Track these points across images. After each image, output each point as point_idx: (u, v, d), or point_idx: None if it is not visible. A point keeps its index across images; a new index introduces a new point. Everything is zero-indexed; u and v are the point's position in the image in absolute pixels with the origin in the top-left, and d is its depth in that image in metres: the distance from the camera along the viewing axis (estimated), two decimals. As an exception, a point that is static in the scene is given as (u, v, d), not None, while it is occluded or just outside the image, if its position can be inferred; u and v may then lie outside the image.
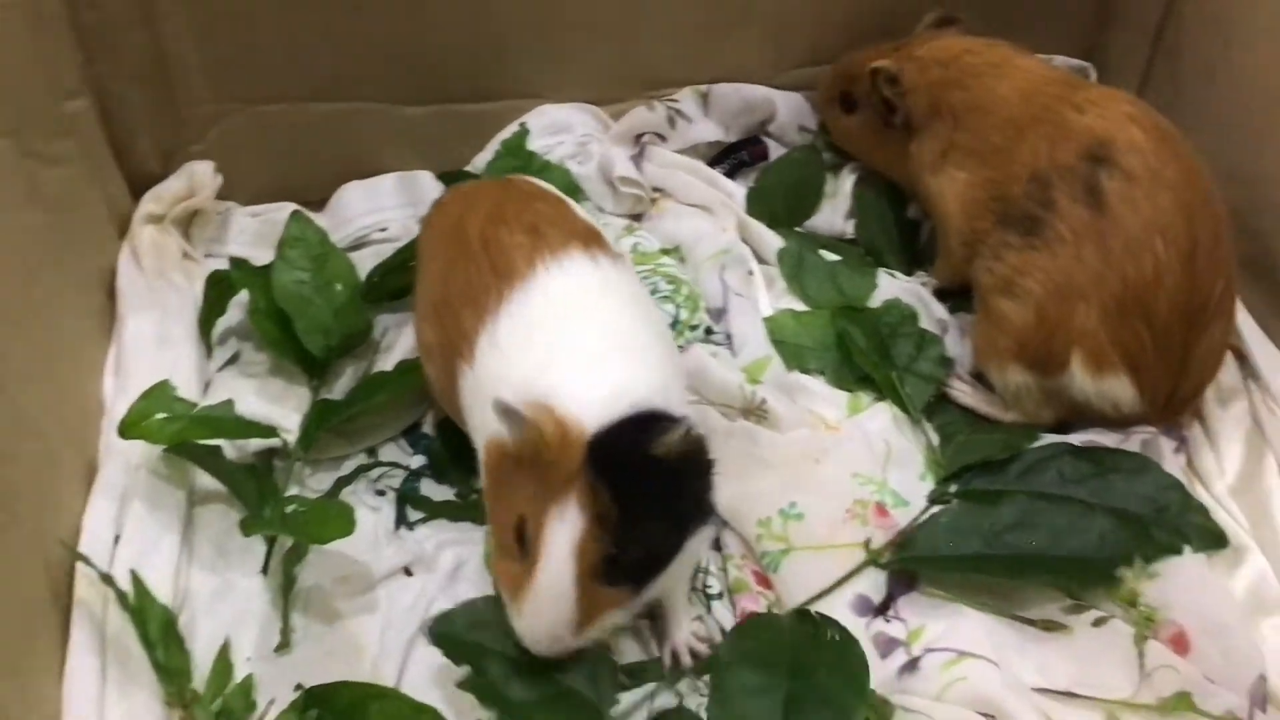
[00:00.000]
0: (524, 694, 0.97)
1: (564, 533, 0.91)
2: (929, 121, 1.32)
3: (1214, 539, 1.09)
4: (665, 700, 1.03)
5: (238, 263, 1.31)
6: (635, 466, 0.92)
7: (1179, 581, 1.04)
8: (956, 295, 1.37)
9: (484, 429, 1.00)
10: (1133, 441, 1.16)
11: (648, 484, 0.92)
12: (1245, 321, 1.28)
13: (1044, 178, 1.17)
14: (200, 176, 1.41)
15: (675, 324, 1.32)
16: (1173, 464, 1.16)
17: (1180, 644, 1.02)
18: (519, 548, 0.93)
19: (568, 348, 1.00)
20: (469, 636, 1.00)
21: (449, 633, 1.00)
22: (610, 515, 0.91)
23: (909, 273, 1.42)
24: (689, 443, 0.94)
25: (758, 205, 1.48)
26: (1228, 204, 1.18)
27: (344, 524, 1.03)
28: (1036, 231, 1.16)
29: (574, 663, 0.98)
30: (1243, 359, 1.28)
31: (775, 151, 1.57)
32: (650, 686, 1.03)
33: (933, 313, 1.35)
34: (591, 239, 1.12)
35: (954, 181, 1.28)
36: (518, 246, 1.08)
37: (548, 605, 0.92)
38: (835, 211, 1.51)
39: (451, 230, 1.15)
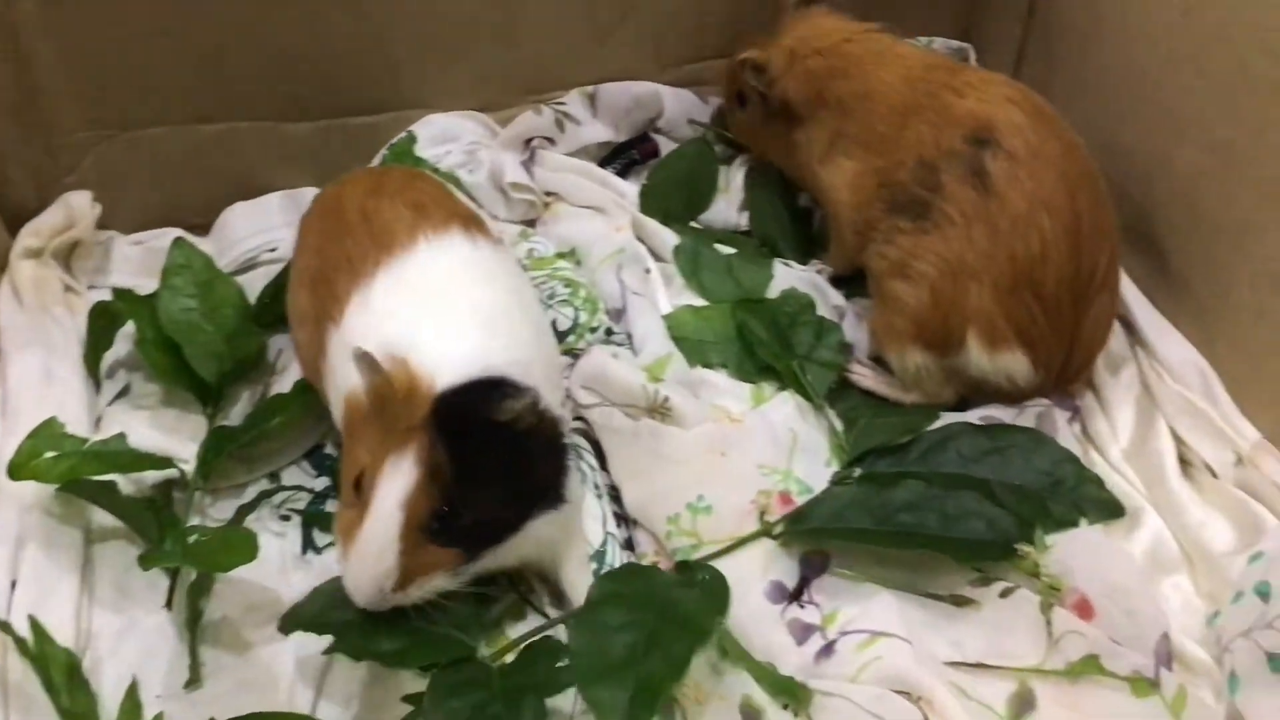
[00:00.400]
0: (393, 645, 0.97)
1: (397, 483, 0.93)
2: (814, 111, 1.33)
3: (1109, 509, 1.11)
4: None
5: (122, 293, 1.28)
6: (477, 428, 0.94)
7: (1078, 549, 1.07)
8: (852, 281, 1.39)
9: (344, 385, 1.02)
10: (1028, 415, 1.18)
11: (488, 448, 0.95)
12: (1129, 289, 1.32)
13: (930, 162, 1.19)
14: (78, 207, 1.38)
15: (575, 327, 1.32)
16: (1067, 433, 1.18)
17: (1084, 609, 1.04)
18: (356, 497, 0.95)
19: (432, 313, 1.04)
20: (322, 618, 1.00)
21: (299, 621, 1.00)
22: (445, 472, 0.93)
23: (804, 261, 1.44)
24: (536, 415, 0.97)
25: (651, 202, 1.48)
26: (1104, 176, 1.21)
27: (247, 550, 1.01)
28: (926, 215, 1.18)
29: (440, 614, 0.98)
30: (1129, 326, 1.31)
31: (665, 148, 1.58)
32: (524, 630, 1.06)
33: (829, 300, 1.37)
34: (472, 221, 1.17)
35: (843, 171, 1.29)
36: (400, 219, 1.12)
37: (373, 554, 0.93)
38: (729, 205, 1.52)
39: (330, 207, 1.20)
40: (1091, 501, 1.11)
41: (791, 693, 1.00)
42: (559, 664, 0.98)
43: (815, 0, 1.41)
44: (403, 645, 0.97)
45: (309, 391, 1.20)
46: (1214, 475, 1.18)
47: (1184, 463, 1.20)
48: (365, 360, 0.94)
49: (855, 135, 1.28)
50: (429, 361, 0.97)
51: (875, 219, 1.25)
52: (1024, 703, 1.00)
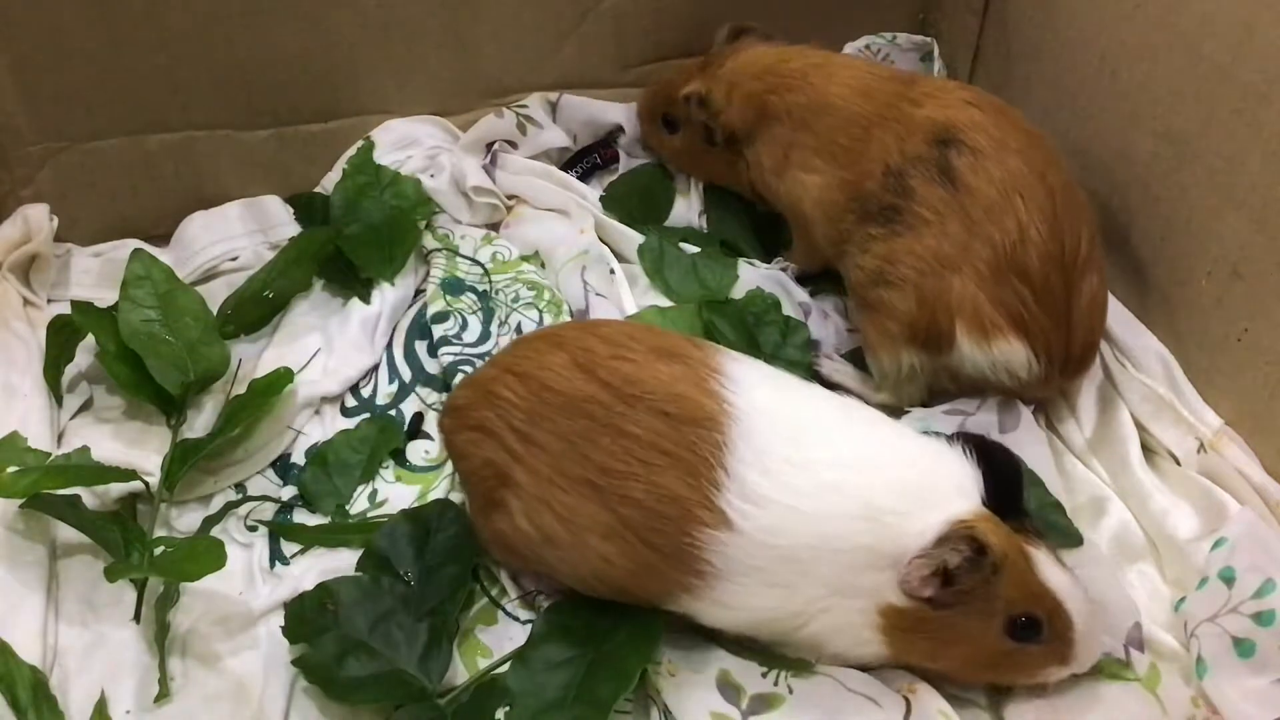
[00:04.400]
0: (355, 671, 0.99)
1: (1059, 575, 0.94)
2: (760, 128, 1.34)
3: (1067, 538, 1.10)
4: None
5: (81, 306, 1.26)
6: (1019, 487, 0.98)
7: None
8: (817, 278, 1.39)
9: (872, 595, 0.94)
10: (990, 404, 1.19)
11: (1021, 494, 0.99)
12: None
13: (898, 169, 1.19)
14: (35, 220, 1.36)
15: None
16: (1030, 422, 1.19)
17: (1056, 601, 1.05)
18: (1022, 643, 0.94)
19: (863, 444, 0.98)
20: (314, 616, 1.03)
21: (298, 611, 1.04)
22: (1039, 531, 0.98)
23: (767, 260, 1.44)
24: None
25: (613, 209, 1.48)
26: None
27: (215, 558, 1.01)
28: (897, 219, 1.18)
29: (408, 644, 1.01)
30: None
31: (625, 158, 1.57)
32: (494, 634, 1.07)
33: (795, 298, 1.37)
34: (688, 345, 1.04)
35: (807, 186, 1.29)
36: (669, 378, 0.97)
37: (1096, 618, 0.96)
38: (690, 209, 1.52)
39: (558, 403, 0.99)
40: (1049, 527, 1.09)
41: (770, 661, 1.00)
42: (503, 706, 0.99)
43: (745, 32, 1.42)
44: (363, 675, 1.00)
45: (268, 390, 1.20)
46: (1177, 463, 1.19)
47: (1147, 450, 1.20)
48: (952, 546, 0.90)
49: (815, 147, 1.28)
50: (952, 492, 0.94)
51: (848, 231, 1.24)
52: (1000, 690, 1.00)
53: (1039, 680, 0.97)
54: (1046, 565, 0.94)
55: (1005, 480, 0.96)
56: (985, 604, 0.92)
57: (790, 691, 0.98)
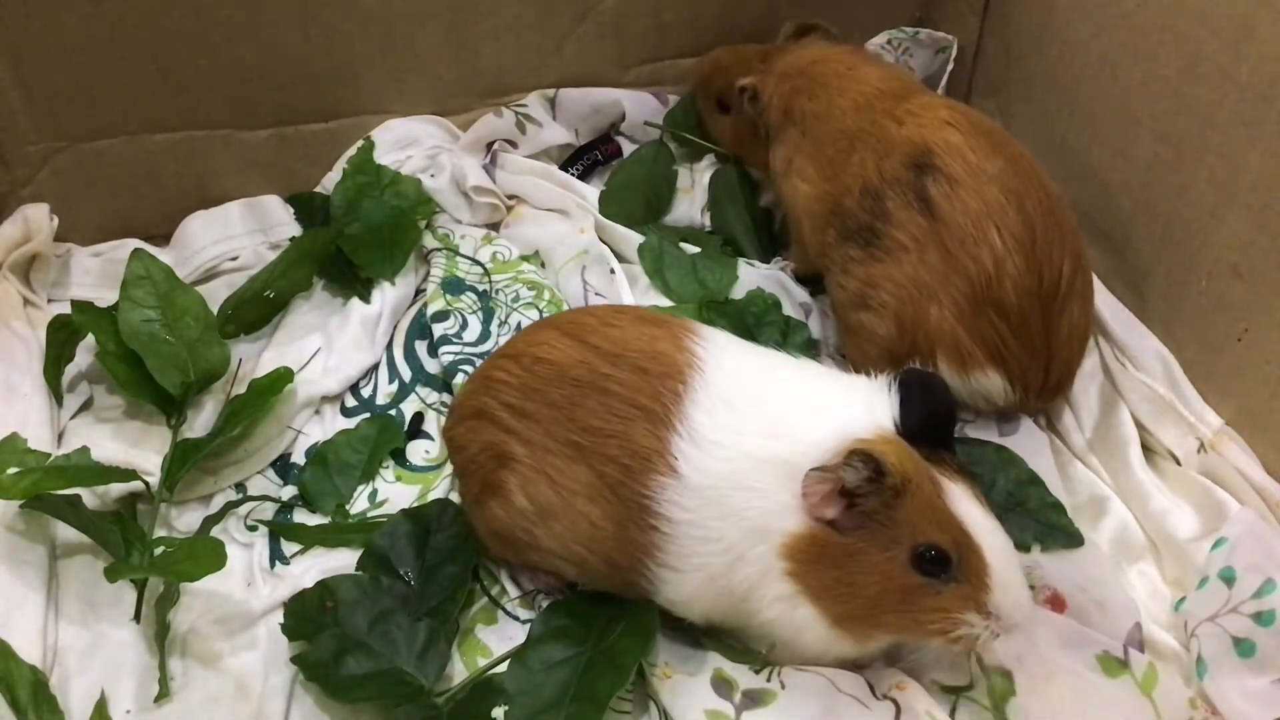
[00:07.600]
0: (354, 670, 1.00)
1: (975, 510, 0.91)
2: (782, 129, 1.34)
3: (1067, 538, 1.10)
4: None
5: (81, 306, 1.26)
6: (947, 422, 0.96)
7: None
8: (817, 278, 1.39)
9: (776, 529, 0.92)
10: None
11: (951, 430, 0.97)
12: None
13: (875, 189, 1.19)
14: (35, 220, 1.36)
15: (540, 329, 1.32)
16: (1030, 425, 1.19)
17: (1056, 603, 1.05)
18: (928, 577, 0.89)
19: (786, 385, 0.99)
20: (314, 615, 1.04)
21: (298, 609, 1.05)
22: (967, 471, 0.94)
23: (767, 260, 1.44)
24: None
25: (612, 206, 1.48)
26: (1059, 172, 1.22)
27: (215, 559, 1.01)
28: (875, 242, 1.18)
29: (407, 643, 1.02)
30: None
31: (629, 149, 1.57)
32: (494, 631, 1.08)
33: (795, 297, 1.37)
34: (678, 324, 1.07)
35: (799, 194, 1.30)
36: (650, 337, 1.01)
37: (1019, 570, 0.91)
38: (692, 205, 1.52)
39: (551, 375, 1.02)
40: (1050, 527, 1.10)
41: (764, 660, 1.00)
42: (499, 705, 0.99)
43: (809, 30, 1.42)
44: (361, 674, 1.00)
45: (268, 390, 1.20)
46: (1177, 463, 1.19)
47: (1147, 450, 1.21)
48: (851, 464, 0.87)
49: (810, 154, 1.29)
50: (869, 415, 0.92)
51: (829, 246, 1.25)
52: (1002, 689, 1.00)
53: (959, 634, 0.90)
54: (960, 498, 0.90)
55: (932, 413, 0.94)
56: (889, 530, 0.89)
57: (783, 687, 0.99)
